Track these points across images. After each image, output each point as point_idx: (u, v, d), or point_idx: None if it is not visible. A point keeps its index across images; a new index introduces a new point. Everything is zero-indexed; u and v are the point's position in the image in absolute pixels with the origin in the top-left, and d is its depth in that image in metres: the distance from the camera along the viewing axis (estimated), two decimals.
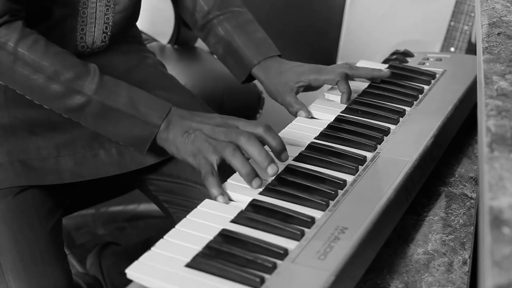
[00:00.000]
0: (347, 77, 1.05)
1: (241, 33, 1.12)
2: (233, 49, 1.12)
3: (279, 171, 0.84)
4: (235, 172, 0.85)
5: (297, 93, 1.06)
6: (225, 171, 0.85)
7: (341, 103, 1.04)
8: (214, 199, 0.80)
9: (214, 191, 0.81)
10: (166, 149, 0.91)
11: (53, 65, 0.91)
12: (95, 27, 1.03)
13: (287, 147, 0.90)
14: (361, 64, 1.16)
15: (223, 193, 0.81)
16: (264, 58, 1.09)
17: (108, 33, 1.05)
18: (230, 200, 0.81)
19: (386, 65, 1.15)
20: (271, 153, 0.86)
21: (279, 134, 0.94)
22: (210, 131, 0.87)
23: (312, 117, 1.02)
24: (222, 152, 0.84)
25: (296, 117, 1.02)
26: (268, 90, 1.09)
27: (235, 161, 0.82)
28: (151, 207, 1.81)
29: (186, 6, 1.16)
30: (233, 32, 1.12)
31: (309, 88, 1.07)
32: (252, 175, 0.82)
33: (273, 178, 0.83)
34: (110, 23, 1.04)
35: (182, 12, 1.18)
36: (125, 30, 1.11)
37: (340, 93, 1.05)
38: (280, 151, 0.85)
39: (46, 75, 0.91)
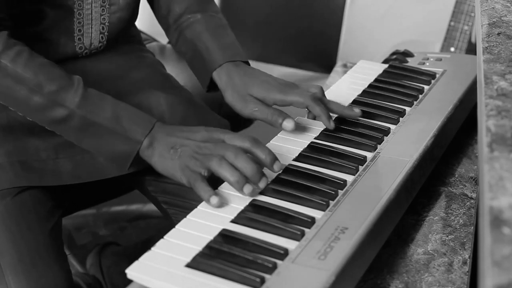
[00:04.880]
0: (319, 100, 0.95)
1: (208, 37, 1.06)
2: (198, 53, 1.05)
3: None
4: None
5: None
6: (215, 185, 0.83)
7: (324, 123, 0.94)
8: (207, 202, 0.79)
9: (204, 194, 0.80)
10: (152, 166, 0.90)
11: (36, 77, 0.90)
12: (91, 28, 1.03)
13: (287, 147, 0.90)
14: (361, 64, 1.16)
15: (215, 193, 0.79)
16: (227, 61, 1.02)
17: (105, 33, 1.05)
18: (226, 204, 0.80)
19: (386, 65, 1.15)
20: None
21: (279, 134, 0.94)
22: (196, 147, 0.86)
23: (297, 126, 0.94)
24: (208, 165, 0.83)
25: (279, 128, 0.93)
26: (231, 100, 0.99)
27: (222, 170, 0.81)
28: (152, 207, 1.81)
29: (161, 11, 1.12)
30: (200, 35, 1.06)
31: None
32: (242, 182, 0.80)
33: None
34: (106, 24, 1.04)
35: (157, 16, 1.14)
36: (123, 31, 1.11)
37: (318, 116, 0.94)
38: (271, 162, 0.83)
39: (28, 87, 0.90)
